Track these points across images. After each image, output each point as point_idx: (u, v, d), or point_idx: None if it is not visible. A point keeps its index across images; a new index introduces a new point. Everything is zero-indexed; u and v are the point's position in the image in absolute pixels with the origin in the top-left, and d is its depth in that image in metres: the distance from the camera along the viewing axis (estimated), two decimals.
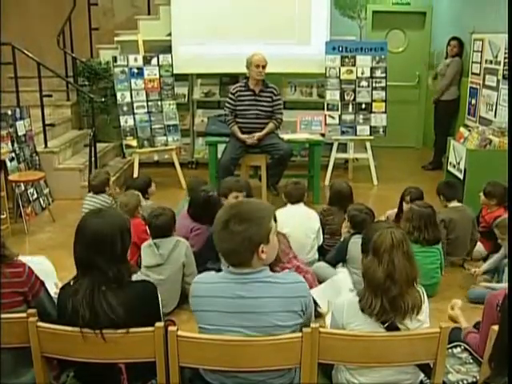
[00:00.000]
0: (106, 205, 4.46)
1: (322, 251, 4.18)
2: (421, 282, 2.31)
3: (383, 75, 6.81)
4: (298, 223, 4.02)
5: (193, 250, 3.72)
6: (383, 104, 6.81)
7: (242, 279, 2.03)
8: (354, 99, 6.80)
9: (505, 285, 3.52)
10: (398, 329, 2.17)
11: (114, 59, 6.48)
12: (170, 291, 3.52)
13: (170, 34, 6.96)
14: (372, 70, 6.80)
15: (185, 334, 2.01)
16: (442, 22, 8.01)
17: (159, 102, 6.62)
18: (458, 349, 2.69)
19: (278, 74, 6.76)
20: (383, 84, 6.81)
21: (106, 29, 7.79)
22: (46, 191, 5.81)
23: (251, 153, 5.66)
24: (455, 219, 4.26)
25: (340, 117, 6.77)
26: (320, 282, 3.68)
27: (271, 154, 5.61)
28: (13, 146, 5.40)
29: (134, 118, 6.46)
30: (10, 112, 5.47)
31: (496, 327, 2.04)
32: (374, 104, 6.80)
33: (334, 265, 3.90)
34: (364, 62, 6.79)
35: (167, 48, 6.89)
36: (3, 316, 2.10)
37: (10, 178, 5.11)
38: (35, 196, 5.53)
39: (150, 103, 6.56)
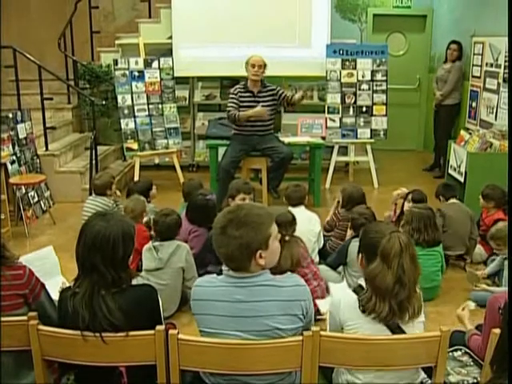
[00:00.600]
0: (108, 208, 4.45)
1: (324, 254, 4.18)
2: (422, 285, 2.31)
3: (384, 78, 6.83)
4: (299, 226, 4.01)
5: (192, 252, 3.71)
6: (384, 107, 6.82)
7: (240, 283, 2.03)
8: (355, 102, 6.81)
9: (504, 288, 3.52)
10: (400, 328, 2.18)
11: (115, 62, 6.49)
12: (170, 295, 3.51)
13: (170, 37, 6.97)
14: (373, 73, 6.82)
15: (185, 338, 2.01)
16: (443, 25, 8.02)
17: (160, 105, 6.63)
18: (459, 352, 2.68)
19: (278, 77, 6.77)
20: (384, 87, 6.83)
21: (107, 32, 7.82)
22: (46, 194, 5.81)
23: (252, 156, 5.67)
24: (452, 212, 4.35)
25: (341, 120, 6.78)
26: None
27: (272, 157, 5.61)
28: (14, 148, 5.41)
29: (135, 121, 6.46)
30: (10, 115, 5.48)
31: (497, 330, 2.04)
32: (374, 107, 6.81)
33: (334, 268, 3.92)
34: (365, 65, 6.81)
35: (168, 51, 6.91)
36: (4, 319, 2.10)
37: (11, 180, 5.11)
38: (36, 199, 5.53)
39: (150, 106, 6.57)
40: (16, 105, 5.93)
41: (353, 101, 6.80)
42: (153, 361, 2.05)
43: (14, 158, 5.38)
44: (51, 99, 6.65)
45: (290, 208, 4.18)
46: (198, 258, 3.76)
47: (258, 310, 2.00)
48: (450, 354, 2.66)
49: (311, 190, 5.99)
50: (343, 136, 6.77)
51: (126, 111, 6.44)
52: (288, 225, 3.55)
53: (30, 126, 5.83)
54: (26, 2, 7.69)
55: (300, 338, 1.99)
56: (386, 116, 6.80)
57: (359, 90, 6.80)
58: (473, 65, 6.64)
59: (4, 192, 5.00)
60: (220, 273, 2.14)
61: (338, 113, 6.78)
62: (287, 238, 3.46)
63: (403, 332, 2.18)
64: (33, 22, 7.64)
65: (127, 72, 6.47)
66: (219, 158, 5.79)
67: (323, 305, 3.43)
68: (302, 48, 6.98)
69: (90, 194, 4.74)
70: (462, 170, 5.24)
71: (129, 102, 6.45)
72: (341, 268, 3.91)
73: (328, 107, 6.79)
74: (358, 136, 6.78)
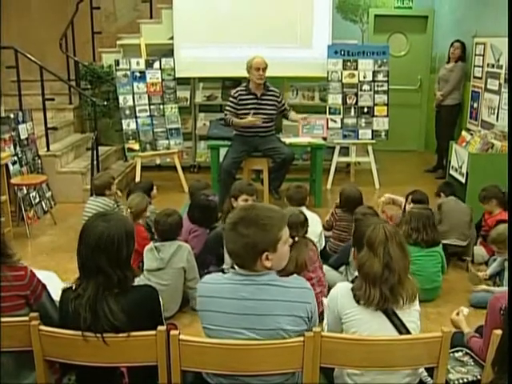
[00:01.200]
0: (109, 208, 4.45)
1: (325, 255, 4.17)
2: (422, 286, 2.32)
3: (385, 79, 6.83)
4: None
5: (193, 251, 3.71)
6: (385, 108, 6.82)
7: (246, 281, 2.03)
8: (356, 103, 6.81)
9: (504, 288, 3.52)
10: (395, 314, 2.21)
11: (117, 63, 6.50)
12: (171, 295, 3.50)
13: (172, 38, 6.97)
14: (374, 73, 6.82)
15: (187, 338, 2.01)
16: (444, 25, 8.01)
17: (161, 106, 6.63)
18: (460, 353, 2.68)
19: (279, 78, 6.77)
20: (385, 88, 6.83)
21: (109, 32, 7.83)
22: (48, 195, 5.82)
23: (253, 156, 5.67)
24: (452, 202, 4.51)
25: (342, 120, 6.78)
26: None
27: (273, 157, 5.61)
28: (15, 149, 5.41)
29: (136, 122, 6.47)
30: (12, 115, 5.49)
31: (498, 331, 2.04)
32: (376, 108, 6.82)
33: (336, 268, 3.91)
34: (366, 65, 6.80)
35: (169, 52, 6.91)
36: (5, 319, 2.10)
37: (13, 181, 5.12)
38: (37, 199, 5.54)
39: (152, 107, 6.57)
40: (17, 105, 5.92)
41: (354, 101, 6.80)
42: (154, 361, 2.05)
43: (16, 158, 5.38)
44: (53, 100, 6.66)
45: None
46: (199, 259, 3.76)
47: (262, 308, 2.00)
48: (451, 354, 2.66)
49: (312, 191, 6.00)
50: (344, 137, 6.77)
51: (127, 112, 6.45)
52: (300, 226, 3.48)
53: (32, 127, 5.83)
54: (26, 2, 7.70)
55: (301, 338, 1.99)
56: (388, 117, 6.80)
57: (360, 90, 6.80)
58: (474, 65, 6.64)
59: (5, 192, 5.00)
60: (222, 272, 2.14)
61: (340, 113, 6.78)
62: (297, 238, 3.40)
63: (399, 319, 2.22)
64: (34, 23, 7.64)
65: (129, 72, 6.48)
66: (220, 159, 5.79)
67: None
68: (304, 48, 6.98)
69: (91, 195, 4.74)
70: (464, 170, 5.24)
71: (130, 103, 6.46)
72: (342, 268, 3.91)
73: (329, 108, 6.79)
74: (360, 137, 6.77)
